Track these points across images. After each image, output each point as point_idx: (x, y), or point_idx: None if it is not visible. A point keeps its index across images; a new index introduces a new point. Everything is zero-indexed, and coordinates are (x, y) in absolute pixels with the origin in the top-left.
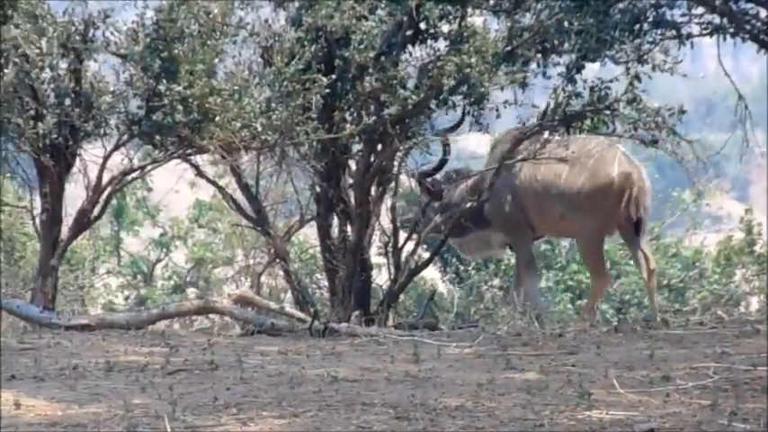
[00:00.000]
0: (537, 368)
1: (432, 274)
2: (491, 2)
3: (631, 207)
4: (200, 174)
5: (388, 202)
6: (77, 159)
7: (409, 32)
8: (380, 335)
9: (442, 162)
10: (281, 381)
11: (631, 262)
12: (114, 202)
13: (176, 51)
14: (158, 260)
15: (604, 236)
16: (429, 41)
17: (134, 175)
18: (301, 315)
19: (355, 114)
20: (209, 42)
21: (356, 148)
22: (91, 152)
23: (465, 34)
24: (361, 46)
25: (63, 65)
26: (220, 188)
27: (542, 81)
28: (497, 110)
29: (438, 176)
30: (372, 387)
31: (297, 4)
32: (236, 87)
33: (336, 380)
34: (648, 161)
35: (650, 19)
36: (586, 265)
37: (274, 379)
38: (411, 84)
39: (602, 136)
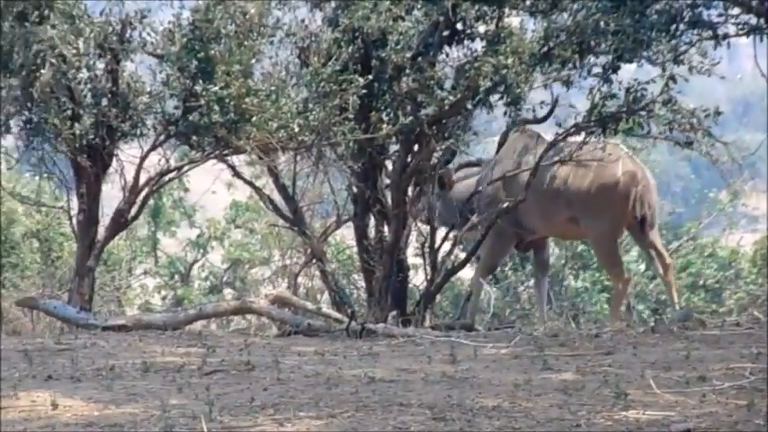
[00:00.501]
0: (573, 369)
1: (469, 274)
2: (528, 2)
3: (637, 205)
4: (236, 174)
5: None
6: (114, 160)
7: (446, 33)
8: (417, 335)
9: (452, 153)
10: (318, 381)
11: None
12: (151, 202)
13: (213, 52)
14: (195, 261)
15: (617, 236)
16: (466, 42)
17: (171, 175)
18: (338, 316)
19: (392, 115)
20: (245, 43)
21: (393, 148)
22: (127, 152)
23: (502, 35)
24: (398, 46)
25: (100, 65)
26: (257, 189)
27: (579, 82)
28: (534, 110)
29: (452, 166)
30: (409, 388)
31: (333, 5)
32: (272, 88)
33: (373, 380)
34: (684, 162)
35: (686, 19)
36: (604, 267)
37: (311, 379)
38: (448, 84)
39: (608, 139)
